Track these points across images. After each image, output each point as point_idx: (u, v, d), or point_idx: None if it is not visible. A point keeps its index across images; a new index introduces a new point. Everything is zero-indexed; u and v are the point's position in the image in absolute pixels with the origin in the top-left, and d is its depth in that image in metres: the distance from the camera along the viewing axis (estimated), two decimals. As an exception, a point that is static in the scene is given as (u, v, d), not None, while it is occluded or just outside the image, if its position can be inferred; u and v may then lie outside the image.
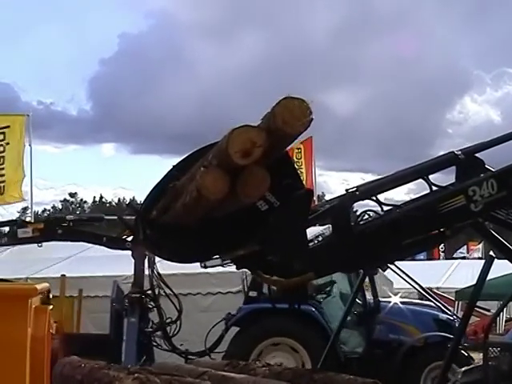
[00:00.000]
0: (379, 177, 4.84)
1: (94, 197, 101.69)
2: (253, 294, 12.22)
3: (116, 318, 12.13)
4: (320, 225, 4.97)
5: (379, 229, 4.54)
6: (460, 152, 4.80)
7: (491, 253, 6.05)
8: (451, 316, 11.59)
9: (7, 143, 23.33)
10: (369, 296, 12.17)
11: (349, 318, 11.62)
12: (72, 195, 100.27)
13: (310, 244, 4.66)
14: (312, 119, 3.86)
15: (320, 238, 4.77)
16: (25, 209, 79.81)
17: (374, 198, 4.70)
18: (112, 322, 12.36)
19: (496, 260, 5.92)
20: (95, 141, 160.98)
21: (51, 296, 12.43)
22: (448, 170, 4.97)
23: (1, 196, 23.31)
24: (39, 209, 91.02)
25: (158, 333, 11.60)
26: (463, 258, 36.97)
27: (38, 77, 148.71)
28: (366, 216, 4.73)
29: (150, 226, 4.55)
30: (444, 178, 4.96)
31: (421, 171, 4.78)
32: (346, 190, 4.67)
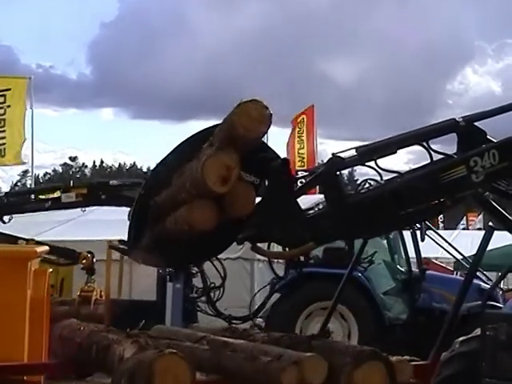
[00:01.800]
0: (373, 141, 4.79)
1: (94, 161, 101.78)
2: (302, 258, 12.35)
3: (161, 284, 12.31)
4: (320, 192, 4.96)
5: (379, 198, 4.53)
6: (461, 119, 4.77)
7: (491, 224, 6.05)
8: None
9: (8, 106, 23.26)
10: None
11: (393, 285, 11.77)
12: (72, 159, 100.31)
13: (310, 212, 4.66)
14: (271, 114, 3.82)
15: (320, 206, 4.76)
16: (25, 172, 79.82)
17: (368, 164, 4.67)
18: (158, 289, 12.57)
19: (495, 231, 5.92)
20: (95, 105, 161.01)
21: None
22: (449, 141, 4.95)
23: (1, 158, 23.32)
24: (40, 172, 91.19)
25: (202, 298, 11.77)
26: (463, 229, 37.10)
27: (37, 40, 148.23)
28: (367, 185, 4.72)
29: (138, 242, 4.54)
30: (445, 149, 4.94)
31: (420, 136, 4.76)
32: (333, 154, 4.64)
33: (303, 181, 4.71)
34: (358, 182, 4.83)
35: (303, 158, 27.62)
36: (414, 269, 12.44)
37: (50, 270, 9.98)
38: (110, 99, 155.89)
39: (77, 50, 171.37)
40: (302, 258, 11.92)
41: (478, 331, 5.48)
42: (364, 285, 12.30)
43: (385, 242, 13.57)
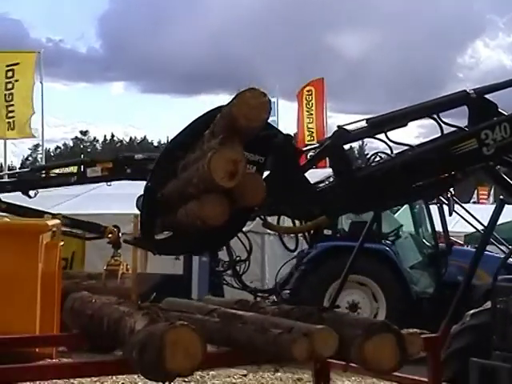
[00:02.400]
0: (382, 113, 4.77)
1: (105, 135, 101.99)
2: (327, 232, 12.55)
3: (188, 258, 12.39)
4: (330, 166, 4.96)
5: (390, 170, 4.52)
6: (472, 91, 4.74)
7: (502, 197, 6.04)
8: None
9: (16, 80, 23.25)
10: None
11: (420, 259, 11.82)
12: (83, 133, 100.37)
13: (320, 185, 4.66)
14: (269, 101, 3.81)
15: (331, 179, 4.75)
16: (36, 146, 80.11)
17: (378, 137, 4.65)
18: (185, 262, 12.65)
19: (506, 205, 5.92)
20: (105, 79, 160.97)
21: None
22: (459, 115, 4.93)
23: (12, 132, 23.38)
24: (50, 146, 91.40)
25: (228, 271, 11.85)
26: (473, 203, 37.02)
27: (47, 14, 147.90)
28: (378, 158, 4.71)
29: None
30: (456, 122, 4.91)
31: (431, 108, 4.74)
32: (338, 127, 4.63)
33: (312, 154, 4.71)
34: (369, 155, 4.81)
35: (312, 133, 27.58)
36: (441, 243, 12.50)
37: (61, 243, 10.05)
38: (120, 73, 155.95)
39: (87, 24, 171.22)
40: (326, 232, 11.99)
41: (488, 304, 5.49)
42: (391, 259, 12.37)
43: (410, 215, 13.66)
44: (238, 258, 11.86)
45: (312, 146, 4.87)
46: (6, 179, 12.18)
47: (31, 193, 11.83)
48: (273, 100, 28.74)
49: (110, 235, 13.10)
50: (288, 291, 12.34)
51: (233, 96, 3.76)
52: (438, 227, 12.99)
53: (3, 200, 11.81)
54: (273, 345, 3.60)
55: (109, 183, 12.12)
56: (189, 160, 4.19)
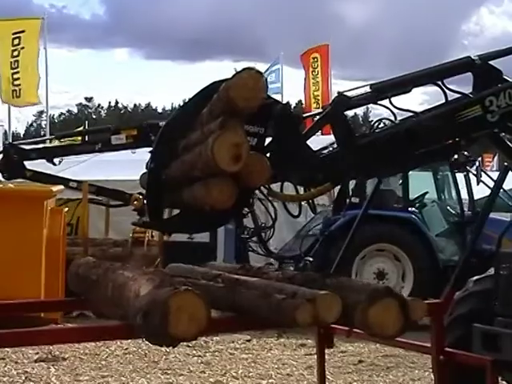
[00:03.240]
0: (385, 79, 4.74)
1: (110, 102, 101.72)
2: (355, 200, 12.62)
3: None
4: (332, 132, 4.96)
5: (394, 136, 4.52)
6: (477, 57, 4.73)
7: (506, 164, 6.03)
8: None
9: (22, 47, 23.25)
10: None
11: (446, 226, 11.87)
12: (88, 100, 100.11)
13: (324, 152, 4.66)
14: (266, 79, 3.81)
15: (335, 145, 4.75)
16: (40, 112, 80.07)
17: (382, 103, 4.64)
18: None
19: (510, 173, 5.91)
20: (109, 45, 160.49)
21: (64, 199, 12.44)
22: (463, 83, 4.91)
23: (17, 99, 23.40)
24: (55, 113, 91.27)
25: (254, 238, 11.94)
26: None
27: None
28: (382, 125, 4.70)
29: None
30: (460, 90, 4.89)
31: (435, 74, 4.72)
32: (339, 93, 4.61)
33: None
34: (373, 122, 4.81)
35: (318, 100, 27.50)
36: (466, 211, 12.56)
37: (66, 209, 10.08)
38: (123, 40, 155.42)
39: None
40: (354, 200, 11.98)
41: (491, 270, 5.50)
42: (419, 227, 12.40)
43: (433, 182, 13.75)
44: (263, 225, 12.03)
45: (313, 113, 4.87)
46: (28, 147, 12.12)
47: (56, 160, 11.81)
48: (277, 67, 28.66)
49: (135, 202, 13.12)
50: (312, 258, 12.39)
51: (236, 65, 3.77)
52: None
53: (28, 168, 11.77)
54: (276, 310, 3.61)
55: (133, 151, 12.12)
56: (189, 140, 4.19)
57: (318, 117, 4.86)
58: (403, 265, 12.48)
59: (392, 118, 4.71)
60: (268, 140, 4.37)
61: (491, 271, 5.50)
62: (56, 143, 13.27)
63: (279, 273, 4.44)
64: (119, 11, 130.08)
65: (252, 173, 3.83)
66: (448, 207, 13.22)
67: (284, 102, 4.47)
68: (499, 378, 4.85)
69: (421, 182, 13.73)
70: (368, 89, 4.64)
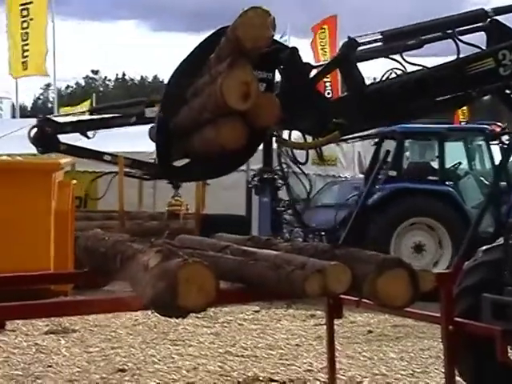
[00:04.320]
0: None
1: (117, 74, 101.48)
2: (392, 173, 12.71)
3: (248, 197, 12.59)
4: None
5: (404, 85, 4.47)
6: (490, 9, 4.69)
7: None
8: None
9: (31, 19, 23.27)
10: None
11: (482, 198, 11.93)
12: (95, 72, 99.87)
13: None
14: (273, 17, 3.74)
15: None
16: (47, 85, 79.94)
17: (392, 57, 4.58)
18: (247, 202, 12.84)
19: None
20: (115, 17, 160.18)
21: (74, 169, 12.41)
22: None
23: (25, 71, 23.42)
24: (62, 85, 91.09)
25: (289, 211, 12.00)
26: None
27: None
28: (393, 75, 4.64)
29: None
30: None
31: (448, 23, 4.68)
32: (349, 37, 4.56)
33: None
34: (384, 72, 4.73)
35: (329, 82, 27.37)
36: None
37: (74, 181, 10.07)
38: (130, 12, 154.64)
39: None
40: (391, 173, 11.97)
41: (501, 240, 5.48)
42: (456, 200, 12.42)
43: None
44: (298, 197, 12.09)
45: (323, 62, 4.83)
46: (61, 120, 12.04)
47: (89, 133, 11.75)
48: (284, 38, 28.54)
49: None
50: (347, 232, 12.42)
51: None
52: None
53: (62, 141, 11.73)
54: (285, 281, 3.61)
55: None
56: (197, 85, 4.16)
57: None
58: (441, 238, 12.51)
59: (403, 69, 4.66)
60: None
61: (501, 241, 5.48)
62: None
63: (288, 244, 4.43)
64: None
65: (261, 112, 3.80)
66: (482, 178, 13.21)
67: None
68: (509, 348, 4.84)
69: (452, 152, 13.75)
70: (378, 36, 4.59)
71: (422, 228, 12.63)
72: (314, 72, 4.59)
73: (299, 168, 11.97)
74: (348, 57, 4.50)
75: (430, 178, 12.89)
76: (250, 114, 3.72)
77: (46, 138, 10.44)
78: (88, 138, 11.76)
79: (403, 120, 5.60)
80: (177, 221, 13.22)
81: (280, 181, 11.84)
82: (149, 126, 12.19)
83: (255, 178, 12.05)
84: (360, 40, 4.57)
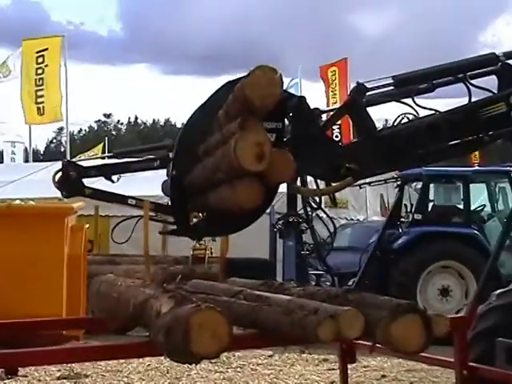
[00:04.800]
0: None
1: (129, 117, 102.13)
2: (418, 216, 12.77)
3: (273, 241, 12.63)
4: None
5: (416, 129, 4.47)
6: (502, 53, 4.71)
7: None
8: None
9: (46, 65, 23.59)
10: None
11: (507, 242, 11.96)
12: (107, 116, 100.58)
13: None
14: (280, 74, 3.77)
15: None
16: (60, 129, 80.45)
17: (404, 101, 4.59)
18: (271, 247, 12.87)
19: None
20: (126, 61, 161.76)
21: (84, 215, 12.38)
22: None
23: (41, 117, 23.66)
24: (74, 129, 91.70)
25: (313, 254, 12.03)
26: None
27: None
28: (405, 119, 4.64)
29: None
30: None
31: (459, 67, 4.68)
32: (357, 83, 4.57)
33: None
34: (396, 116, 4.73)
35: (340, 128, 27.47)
36: None
37: (87, 225, 10.09)
38: (141, 55, 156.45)
39: (106, 7, 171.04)
40: (417, 217, 11.96)
41: (515, 284, 5.45)
42: (481, 243, 12.42)
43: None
44: (322, 241, 12.10)
45: (332, 107, 4.83)
46: (86, 164, 12.17)
47: (114, 178, 11.79)
48: (296, 81, 28.70)
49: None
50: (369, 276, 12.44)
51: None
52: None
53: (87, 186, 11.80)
54: (298, 326, 3.59)
55: None
56: (209, 143, 4.18)
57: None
58: (467, 281, 12.50)
59: (415, 114, 4.66)
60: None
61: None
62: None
63: (301, 289, 4.42)
64: (135, 27, 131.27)
65: (277, 170, 3.82)
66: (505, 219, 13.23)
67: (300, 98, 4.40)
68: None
69: (477, 195, 13.78)
70: (389, 80, 4.60)
71: (448, 271, 12.65)
72: (323, 116, 4.62)
73: (323, 211, 12.05)
74: (357, 102, 4.50)
75: (455, 220, 12.91)
76: (266, 173, 3.73)
77: (71, 182, 10.46)
78: (112, 182, 11.79)
79: (415, 164, 5.61)
80: (202, 265, 13.20)
81: (304, 224, 11.89)
82: None
83: (280, 222, 12.09)
84: (371, 84, 4.58)
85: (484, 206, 13.70)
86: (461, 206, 13.31)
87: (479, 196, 13.98)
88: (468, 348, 5.02)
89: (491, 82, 4.82)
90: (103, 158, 13.15)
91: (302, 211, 11.59)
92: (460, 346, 4.84)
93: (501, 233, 5.89)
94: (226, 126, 3.93)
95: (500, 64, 4.70)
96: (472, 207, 13.32)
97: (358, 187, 15.27)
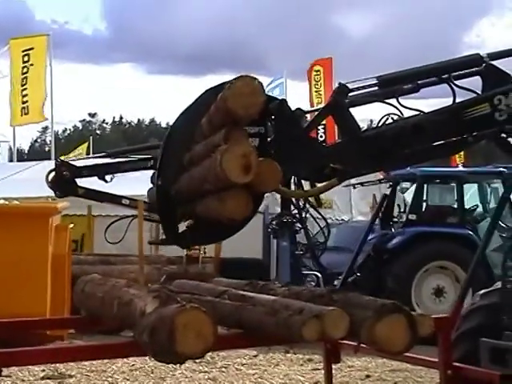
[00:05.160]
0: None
1: (114, 117, 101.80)
2: (412, 217, 12.82)
3: (266, 241, 12.64)
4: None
5: (401, 130, 4.47)
6: (486, 54, 4.72)
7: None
8: None
9: (31, 64, 23.53)
10: None
11: (501, 242, 12.01)
12: (92, 115, 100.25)
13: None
14: (261, 83, 3.78)
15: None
16: (45, 128, 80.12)
17: (388, 102, 4.59)
18: (264, 247, 12.87)
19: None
20: (111, 61, 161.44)
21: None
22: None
23: (26, 116, 23.59)
24: (59, 128, 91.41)
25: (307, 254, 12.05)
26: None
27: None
28: (390, 120, 4.64)
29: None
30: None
31: (443, 68, 4.69)
32: (340, 83, 4.56)
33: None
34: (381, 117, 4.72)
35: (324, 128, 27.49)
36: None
37: (71, 225, 10.06)
38: (126, 55, 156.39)
39: (91, 6, 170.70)
40: (411, 217, 12.07)
41: (498, 284, 5.48)
42: (475, 243, 12.44)
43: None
44: (316, 242, 12.14)
45: (315, 108, 4.82)
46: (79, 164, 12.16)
47: (107, 177, 11.75)
48: (281, 80, 28.73)
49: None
50: (363, 276, 12.47)
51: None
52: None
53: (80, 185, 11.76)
54: (283, 326, 3.60)
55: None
56: (194, 153, 4.18)
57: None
58: (460, 281, 12.53)
59: (399, 114, 4.65)
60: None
61: (498, 285, 5.48)
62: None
63: (286, 289, 4.42)
64: (120, 27, 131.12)
65: (264, 179, 3.82)
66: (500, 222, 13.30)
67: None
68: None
69: (471, 195, 13.84)
70: (373, 81, 4.60)
71: (442, 272, 12.69)
72: (308, 117, 4.62)
73: (317, 211, 12.11)
74: (339, 103, 4.49)
75: (450, 221, 12.97)
76: (253, 183, 3.73)
77: (64, 181, 10.48)
78: (106, 181, 11.78)
79: (400, 165, 5.63)
80: (196, 265, 13.19)
81: (298, 224, 11.93)
82: None
83: (273, 222, 12.11)
84: (355, 85, 4.58)
85: (477, 206, 13.76)
86: (455, 206, 13.39)
87: (474, 197, 14.05)
88: (452, 348, 5.04)
89: (475, 82, 4.84)
90: (97, 157, 13.12)
91: (295, 211, 11.64)
92: (444, 345, 4.85)
93: (485, 234, 5.90)
94: (211, 137, 3.94)
95: (484, 65, 4.71)
96: (466, 208, 13.41)
97: (342, 187, 15.34)
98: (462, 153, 34.32)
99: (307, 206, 11.11)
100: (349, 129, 4.49)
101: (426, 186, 13.61)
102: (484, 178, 14.14)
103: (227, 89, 3.75)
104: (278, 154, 4.05)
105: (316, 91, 28.21)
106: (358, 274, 12.37)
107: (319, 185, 4.57)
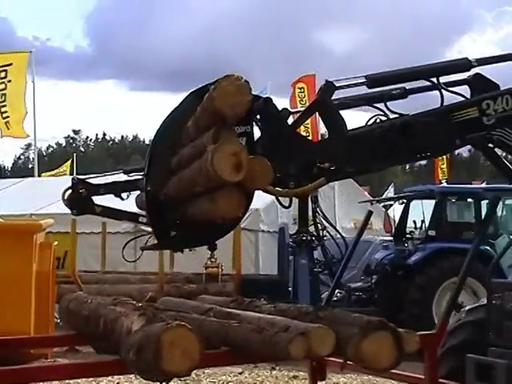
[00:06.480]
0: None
1: (97, 134, 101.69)
2: (432, 233, 13.00)
3: (281, 259, 12.66)
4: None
5: (388, 130, 4.47)
6: (474, 59, 4.74)
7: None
8: None
9: (9, 80, 23.48)
10: None
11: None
12: (76, 132, 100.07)
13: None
14: (247, 81, 3.79)
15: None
16: (28, 145, 79.95)
17: (376, 106, 4.59)
18: (280, 264, 12.90)
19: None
20: (93, 78, 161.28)
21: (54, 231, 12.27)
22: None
23: (8, 131, 23.56)
24: (42, 145, 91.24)
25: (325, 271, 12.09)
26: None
27: (33, 11, 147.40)
28: (378, 121, 4.63)
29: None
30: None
31: (432, 70, 4.70)
32: (326, 81, 4.54)
33: None
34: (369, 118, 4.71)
35: (308, 128, 27.53)
36: None
37: (55, 242, 10.00)
38: (108, 72, 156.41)
39: (73, 23, 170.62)
40: (431, 233, 12.11)
41: (484, 300, 5.48)
42: (492, 259, 12.55)
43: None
44: (333, 259, 12.21)
45: (301, 108, 4.82)
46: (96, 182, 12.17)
47: (123, 195, 11.71)
48: (266, 95, 28.76)
49: None
50: (379, 293, 12.55)
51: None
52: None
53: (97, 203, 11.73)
54: (269, 344, 3.58)
55: None
56: (182, 156, 4.17)
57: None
58: (479, 296, 12.63)
59: (387, 116, 4.65)
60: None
61: (483, 301, 5.48)
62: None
63: (271, 306, 4.41)
64: (102, 44, 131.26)
65: (255, 176, 3.82)
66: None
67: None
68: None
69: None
70: (361, 79, 4.59)
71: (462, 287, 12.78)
72: (291, 118, 4.60)
73: (335, 229, 12.16)
74: (326, 100, 4.49)
75: (468, 237, 13.08)
76: (244, 181, 3.73)
77: (81, 199, 10.47)
78: (122, 199, 11.75)
79: (386, 164, 5.62)
80: (215, 284, 13.09)
81: (315, 242, 12.00)
82: None
83: (291, 239, 12.14)
84: (344, 83, 4.56)
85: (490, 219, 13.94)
86: (472, 222, 13.61)
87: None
88: (438, 364, 5.03)
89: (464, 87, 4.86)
90: (113, 174, 13.14)
91: (312, 228, 11.75)
92: (430, 362, 4.85)
93: (472, 246, 5.88)
94: (199, 138, 3.93)
95: (473, 75, 4.74)
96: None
97: (327, 200, 15.47)
98: (445, 169, 34.53)
99: (324, 222, 11.23)
100: (335, 126, 4.48)
101: (445, 202, 13.92)
102: (501, 195, 14.33)
103: (213, 89, 3.75)
104: (265, 152, 4.05)
105: (301, 107, 28.30)
106: (374, 291, 12.52)
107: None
